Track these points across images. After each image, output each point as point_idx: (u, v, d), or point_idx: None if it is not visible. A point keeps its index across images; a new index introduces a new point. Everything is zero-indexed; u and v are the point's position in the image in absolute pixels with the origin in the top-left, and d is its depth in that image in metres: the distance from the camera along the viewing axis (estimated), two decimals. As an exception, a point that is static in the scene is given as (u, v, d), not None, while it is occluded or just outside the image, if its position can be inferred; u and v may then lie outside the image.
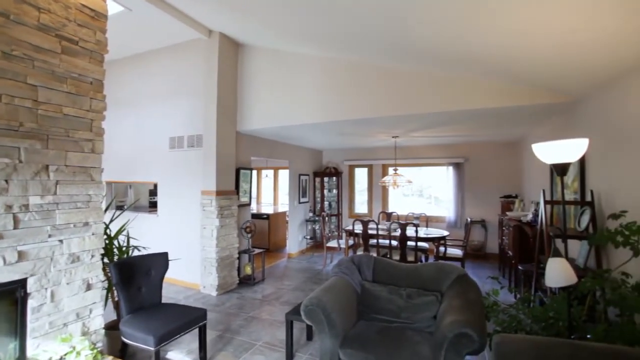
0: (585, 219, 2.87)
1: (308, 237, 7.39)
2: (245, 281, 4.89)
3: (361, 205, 8.19)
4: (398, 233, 4.92)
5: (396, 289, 2.67)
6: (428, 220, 6.59)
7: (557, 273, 1.60)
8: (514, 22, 2.13)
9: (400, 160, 7.46)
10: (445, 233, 5.26)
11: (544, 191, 3.06)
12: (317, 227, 7.65)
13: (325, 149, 8.07)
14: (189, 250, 4.64)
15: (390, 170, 7.62)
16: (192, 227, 4.64)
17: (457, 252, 5.11)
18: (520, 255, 4.29)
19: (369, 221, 5.00)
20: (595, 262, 2.73)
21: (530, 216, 4.44)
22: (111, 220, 2.91)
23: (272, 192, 11.07)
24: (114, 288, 2.51)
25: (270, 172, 10.62)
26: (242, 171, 4.95)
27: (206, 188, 4.45)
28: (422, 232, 5.24)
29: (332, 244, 6.00)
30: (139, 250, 3.09)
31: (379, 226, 5.18)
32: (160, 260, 2.77)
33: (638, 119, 2.29)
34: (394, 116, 3.99)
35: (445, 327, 1.96)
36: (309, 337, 3.15)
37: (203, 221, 4.45)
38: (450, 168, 7.08)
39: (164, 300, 2.84)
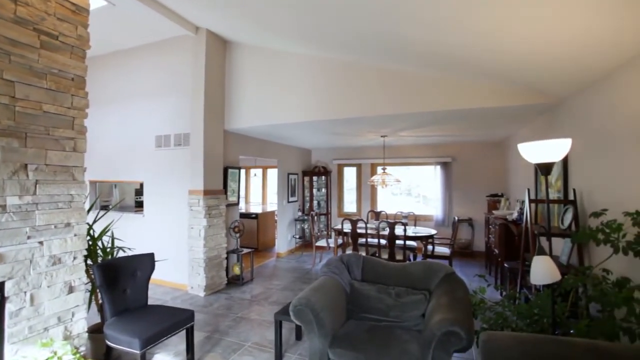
0: (568, 217, 2.94)
1: (297, 236, 7.38)
2: (234, 281, 4.84)
3: (350, 205, 8.21)
4: (387, 232, 4.95)
5: (385, 287, 2.68)
6: (416, 219, 6.66)
7: (542, 271, 1.63)
8: (500, 23, 2.16)
9: (388, 159, 7.52)
10: (433, 232, 5.32)
11: (528, 190, 3.12)
12: (306, 226, 7.63)
13: (314, 148, 8.07)
14: (176, 250, 4.56)
15: (379, 169, 7.68)
16: (180, 227, 4.57)
17: (444, 250, 5.18)
18: (506, 253, 4.37)
19: (358, 220, 5.02)
20: (578, 259, 2.80)
21: (515, 215, 4.53)
22: (95, 221, 2.83)
23: (260, 191, 11.01)
24: (97, 290, 2.44)
25: (259, 171, 10.56)
26: (230, 170, 4.89)
27: (193, 187, 4.38)
28: (411, 230, 5.29)
29: (322, 243, 6.01)
30: (124, 251, 3.01)
31: (368, 225, 5.20)
32: (146, 261, 2.71)
33: (618, 119, 2.36)
34: (383, 115, 4.01)
35: (434, 325, 1.98)
36: (298, 337, 3.14)
37: (190, 221, 4.38)
38: (438, 167, 7.17)
39: (150, 302, 2.78)
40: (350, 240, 5.19)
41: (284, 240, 6.90)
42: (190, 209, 4.38)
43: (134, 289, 2.56)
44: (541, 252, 1.73)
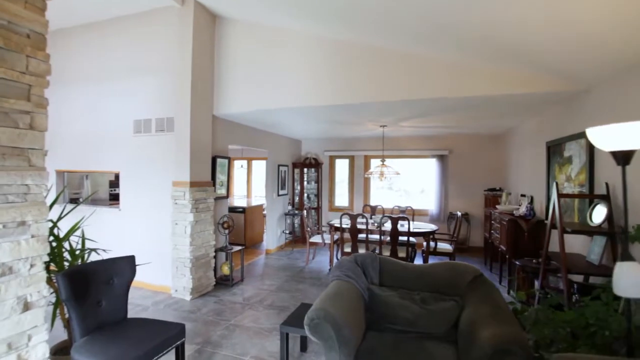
0: (600, 213, 2.71)
1: (287, 231, 6.98)
2: (223, 282, 4.40)
3: (342, 198, 7.88)
4: (388, 227, 4.65)
5: (408, 293, 2.35)
6: (414, 214, 6.39)
7: (633, 280, 1.34)
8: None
9: (380, 152, 7.20)
10: (434, 227, 5.06)
11: (556, 184, 2.86)
12: (296, 221, 7.24)
13: (305, 138, 7.65)
14: (158, 249, 4.07)
15: (373, 161, 7.37)
16: (162, 223, 4.07)
17: (446, 246, 4.93)
18: (514, 250, 4.16)
19: (358, 215, 4.68)
20: (612, 259, 2.57)
21: (523, 210, 4.32)
22: (60, 217, 2.33)
23: (245, 184, 10.50)
24: (63, 305, 1.98)
25: (244, 163, 10.05)
26: (218, 160, 4.42)
27: (178, 179, 3.89)
28: (410, 226, 5.01)
29: (316, 239, 5.64)
30: (97, 253, 2.53)
31: (368, 220, 4.88)
32: (125, 266, 2.25)
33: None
34: (392, 102, 3.66)
35: (484, 342, 1.66)
36: (303, 348, 2.78)
37: (175, 216, 3.90)
38: (434, 160, 6.94)
39: (129, 309, 2.33)
40: (346, 237, 4.85)
41: (273, 235, 6.48)
42: (174, 203, 3.89)
43: (110, 300, 2.10)
44: (628, 257, 1.44)
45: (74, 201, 4.89)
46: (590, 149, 3.02)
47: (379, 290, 2.36)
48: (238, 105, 4.16)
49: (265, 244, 6.85)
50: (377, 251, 4.87)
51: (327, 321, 1.87)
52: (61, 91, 4.58)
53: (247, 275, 4.86)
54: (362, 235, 4.71)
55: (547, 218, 4.01)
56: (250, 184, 10.58)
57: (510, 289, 4.24)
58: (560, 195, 2.79)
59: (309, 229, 5.58)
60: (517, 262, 3.89)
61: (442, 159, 6.90)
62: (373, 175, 5.50)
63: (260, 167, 10.58)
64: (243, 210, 6.69)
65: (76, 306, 1.85)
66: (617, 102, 2.69)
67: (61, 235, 2.25)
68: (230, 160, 4.72)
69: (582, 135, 3.16)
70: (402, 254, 4.56)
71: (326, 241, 5.38)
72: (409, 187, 7.50)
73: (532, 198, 4.47)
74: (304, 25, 3.64)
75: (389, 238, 4.63)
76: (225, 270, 4.41)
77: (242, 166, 9.16)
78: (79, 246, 2.43)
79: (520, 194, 4.99)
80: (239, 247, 4.59)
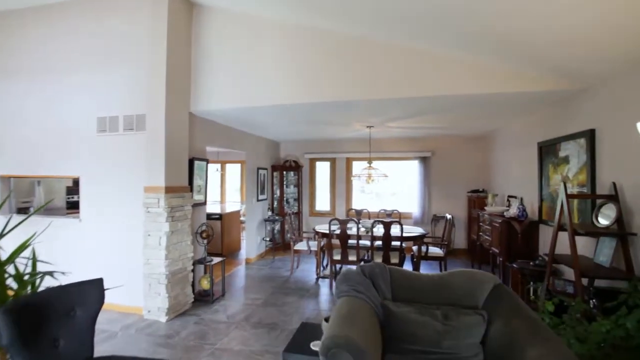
0: (609, 214, 2.64)
1: (267, 238, 6.59)
2: (202, 298, 3.96)
3: (323, 202, 7.61)
4: (378, 232, 4.43)
5: (426, 307, 2.11)
6: (401, 217, 6.24)
7: None
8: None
9: (363, 154, 7.04)
10: (423, 231, 4.92)
11: (564, 184, 2.76)
12: (277, 227, 6.87)
13: (284, 140, 7.31)
14: (128, 265, 3.57)
15: (355, 164, 7.16)
16: (131, 235, 3.58)
17: (437, 250, 4.79)
18: (508, 252, 4.09)
19: (348, 220, 4.42)
20: (624, 261, 2.49)
21: (514, 211, 4.27)
22: (2, 234, 1.86)
23: (219, 188, 9.97)
24: (5, 351, 1.52)
25: (219, 166, 9.55)
26: (196, 162, 3.99)
27: (151, 183, 3.43)
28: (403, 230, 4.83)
29: (300, 246, 5.30)
30: (54, 277, 2.06)
31: (354, 225, 4.64)
32: (91, 292, 1.82)
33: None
34: (381, 100, 3.45)
35: (535, 367, 1.43)
36: (304, 373, 2.45)
37: (147, 226, 3.43)
38: (417, 162, 6.86)
39: (96, 335, 1.89)
40: (333, 243, 4.57)
41: (253, 243, 6.07)
42: (147, 211, 3.42)
43: (72, 338, 1.67)
44: None
45: (23, 211, 4.23)
46: (592, 148, 2.97)
47: (394, 307, 2.09)
48: (218, 101, 3.77)
49: (243, 253, 6.41)
50: (367, 257, 4.64)
51: (348, 350, 1.57)
52: (9, 87, 3.96)
53: (229, 289, 4.43)
54: (351, 241, 4.45)
55: (540, 219, 3.98)
56: (224, 189, 10.05)
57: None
58: (569, 196, 2.69)
59: (292, 236, 5.25)
60: (514, 265, 3.80)
61: (424, 160, 6.84)
62: (360, 178, 5.28)
63: (234, 171, 10.08)
64: (220, 217, 6.22)
65: (24, 352, 1.41)
66: (624, 101, 2.64)
67: (4, 256, 1.78)
68: (208, 164, 4.30)
69: (582, 134, 3.12)
70: (394, 259, 4.36)
71: (312, 248, 5.07)
72: (392, 189, 7.36)
73: (521, 199, 4.44)
74: (290, 14, 3.35)
75: (378, 243, 4.42)
76: (205, 284, 3.97)
77: (217, 170, 8.60)
78: (29, 269, 1.95)
79: (508, 195, 4.98)
80: (219, 259, 4.16)
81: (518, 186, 4.69)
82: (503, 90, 3.17)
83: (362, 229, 4.52)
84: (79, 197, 3.84)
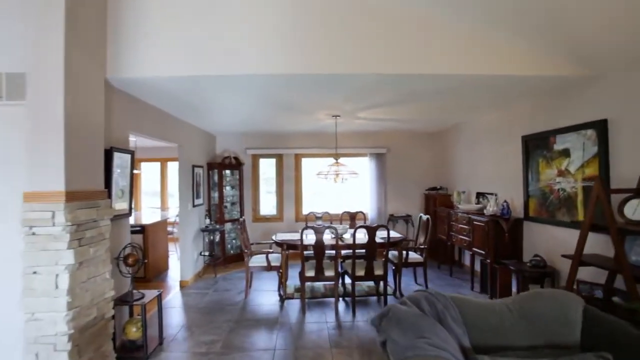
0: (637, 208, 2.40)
1: (206, 253, 5.34)
2: (130, 355, 2.70)
3: (268, 206, 6.62)
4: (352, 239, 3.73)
5: (526, 356, 1.46)
6: (356, 219, 5.66)
7: None
8: None
9: (316, 149, 6.31)
10: (399, 235, 4.40)
11: (601, 179, 2.45)
12: (217, 238, 5.65)
13: (221, 132, 6.11)
14: (-8, 324, 2.14)
15: (305, 161, 6.33)
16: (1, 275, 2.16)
17: (416, 256, 4.31)
18: (495, 252, 3.81)
19: (326, 227, 3.61)
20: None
21: (493, 208, 4.04)
22: None
23: (159, 194, 8.18)
24: None
25: (155, 166, 7.87)
26: (117, 155, 2.71)
27: (38, 187, 2.08)
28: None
29: (257, 261, 4.25)
30: None
31: (330, 230, 3.87)
32: None
33: None
34: (380, 75, 2.77)
35: None
36: None
37: (32, 259, 2.07)
38: (370, 159, 6.41)
39: None
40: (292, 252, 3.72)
41: (188, 260, 4.79)
42: (30, 234, 2.07)
43: None
44: None
45: None
46: (604, 140, 2.76)
47: (491, 364, 1.39)
48: (153, 65, 2.58)
49: (175, 274, 5.07)
50: (350, 271, 3.90)
51: None
52: None
53: (166, 332, 3.20)
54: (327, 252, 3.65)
55: (526, 216, 3.78)
56: (165, 193, 8.24)
57: (492, 296, 3.87)
58: (612, 191, 2.37)
59: (246, 249, 4.19)
60: (510, 267, 3.52)
61: (379, 157, 6.42)
62: (327, 177, 4.51)
63: (152, 170, 8.34)
64: (142, 230, 4.76)
65: None
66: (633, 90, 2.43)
67: None
68: (133, 158, 3.00)
69: (590, 125, 2.91)
70: (378, 270, 3.71)
71: (273, 263, 4.10)
72: (358, 188, 6.70)
73: (496, 196, 4.25)
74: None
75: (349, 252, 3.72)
76: (134, 333, 2.72)
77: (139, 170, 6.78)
78: None
79: (477, 192, 4.81)
80: (154, 292, 2.93)
81: (491, 183, 4.51)
82: (516, 72, 2.77)
83: (347, 237, 3.76)
84: None
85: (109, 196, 2.57)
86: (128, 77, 2.59)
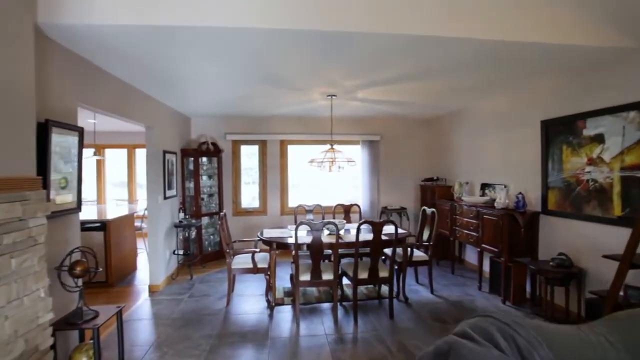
0: None
1: (180, 251, 4.68)
2: (79, 392, 2.07)
3: (249, 198, 6.01)
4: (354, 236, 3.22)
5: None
6: (350, 212, 5.16)
7: None
8: None
9: (303, 135, 5.74)
10: (404, 231, 3.93)
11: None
12: (192, 234, 4.99)
13: (196, 115, 5.39)
14: None
15: (291, 148, 5.71)
16: None
17: (420, 254, 3.87)
18: (510, 249, 3.44)
19: (327, 223, 3.07)
20: None
21: (504, 200, 3.65)
22: None
23: (95, 180, 7.26)
24: None
25: (121, 152, 7.06)
26: (56, 131, 2.03)
27: None
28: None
29: (240, 262, 3.67)
30: None
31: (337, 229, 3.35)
32: None
33: None
34: (407, 35, 2.23)
35: None
36: None
37: None
38: (363, 147, 5.92)
39: None
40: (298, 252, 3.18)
41: (159, 261, 4.13)
42: None
43: None
44: None
45: None
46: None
47: None
48: (91, 10, 1.91)
49: (144, 277, 4.40)
50: (342, 271, 3.40)
51: None
52: None
53: (132, 354, 2.58)
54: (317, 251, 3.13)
55: (544, 210, 3.41)
56: (102, 181, 7.35)
57: (505, 297, 3.51)
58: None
59: (228, 249, 3.59)
60: (531, 266, 3.14)
61: (372, 145, 5.94)
62: (322, 165, 3.96)
63: (118, 158, 7.47)
64: (103, 227, 4.04)
65: None
66: None
67: None
68: (82, 137, 2.31)
69: (631, 107, 2.52)
70: (383, 273, 3.24)
71: (260, 265, 3.53)
72: (350, 178, 6.17)
73: (507, 188, 3.87)
74: None
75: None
76: (83, 363, 2.09)
77: (95, 154, 5.84)
78: None
79: (482, 184, 4.41)
80: (113, 308, 2.30)
81: (498, 173, 4.12)
82: (556, 41, 2.32)
83: (344, 233, 3.25)
84: None
85: (44, 186, 1.90)
86: (66, 22, 1.90)
